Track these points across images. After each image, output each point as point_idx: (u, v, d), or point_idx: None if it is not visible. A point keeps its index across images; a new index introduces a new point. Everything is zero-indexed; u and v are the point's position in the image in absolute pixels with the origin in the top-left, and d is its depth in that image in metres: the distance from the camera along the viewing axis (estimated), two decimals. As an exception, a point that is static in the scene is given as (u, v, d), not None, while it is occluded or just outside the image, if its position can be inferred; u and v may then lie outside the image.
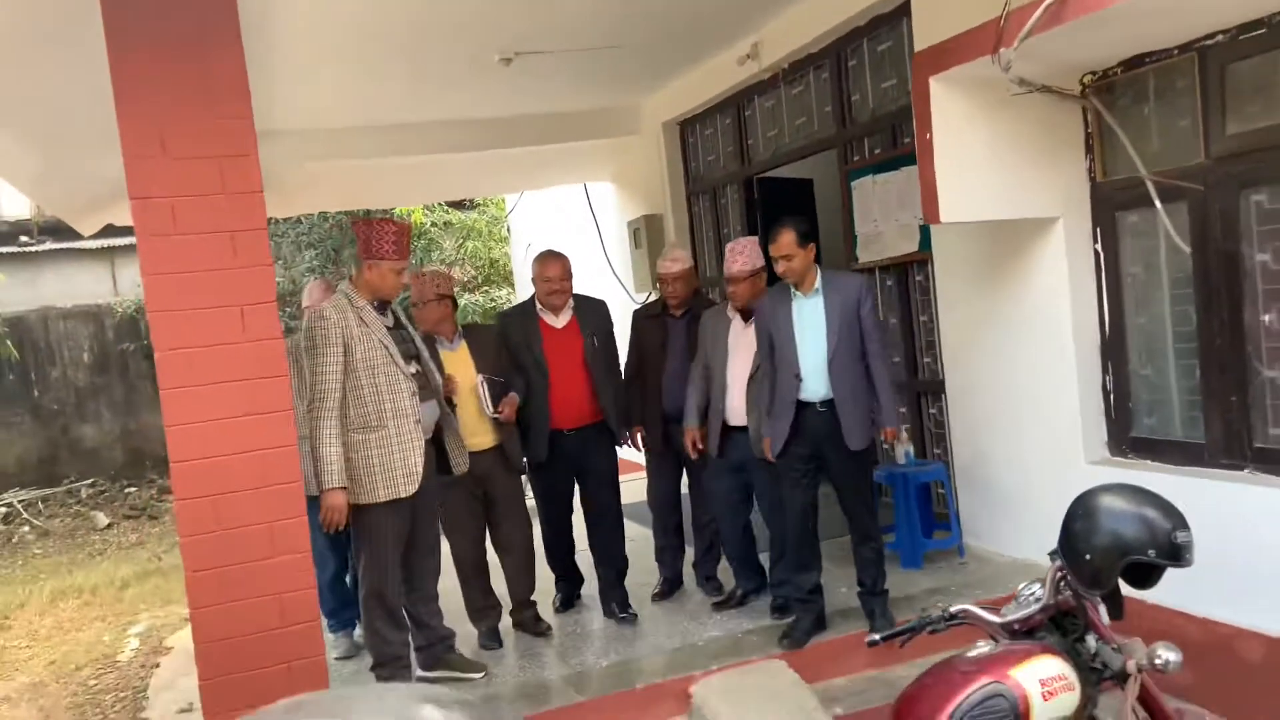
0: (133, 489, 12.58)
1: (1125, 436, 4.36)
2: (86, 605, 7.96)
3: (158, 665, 6.00)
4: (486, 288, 13.14)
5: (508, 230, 12.64)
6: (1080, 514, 2.25)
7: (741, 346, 4.55)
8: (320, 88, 6.01)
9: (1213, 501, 3.79)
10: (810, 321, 4.13)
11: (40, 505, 12.08)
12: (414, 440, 3.78)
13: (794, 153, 6.65)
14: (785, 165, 6.92)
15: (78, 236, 10.82)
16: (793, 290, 4.18)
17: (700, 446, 4.63)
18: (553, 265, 4.69)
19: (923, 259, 5.35)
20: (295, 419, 3.42)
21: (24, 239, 12.77)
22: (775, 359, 4.21)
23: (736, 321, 4.63)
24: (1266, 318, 3.71)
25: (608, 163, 8.66)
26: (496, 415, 4.42)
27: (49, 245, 12.68)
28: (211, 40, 3.16)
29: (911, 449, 5.19)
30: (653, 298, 6.87)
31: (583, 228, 9.26)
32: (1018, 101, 4.05)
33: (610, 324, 4.89)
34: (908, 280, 5.65)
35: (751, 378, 4.44)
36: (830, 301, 4.10)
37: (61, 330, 13.01)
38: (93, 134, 3.24)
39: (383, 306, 3.93)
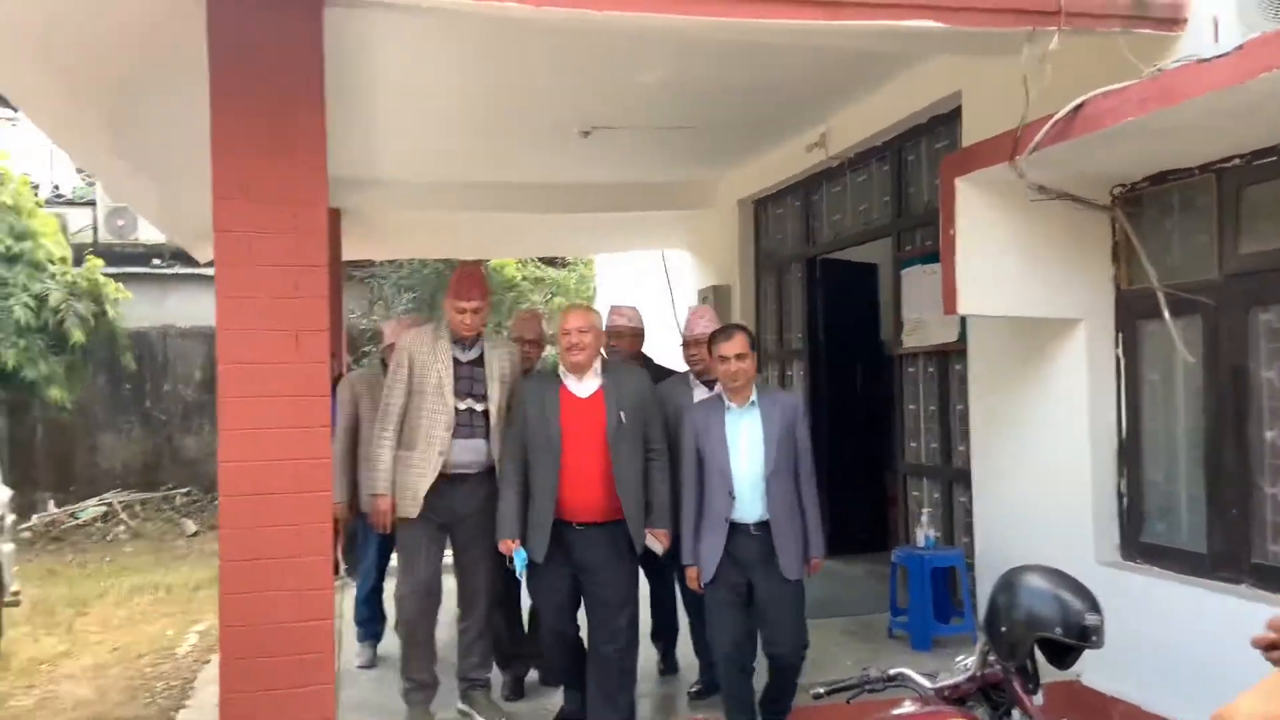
0: (221, 501, 13.34)
1: (1136, 541, 4.40)
2: (159, 602, 8.53)
3: (209, 661, 6.44)
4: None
5: (594, 290, 13.14)
6: (1002, 589, 2.41)
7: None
8: (416, 144, 6.57)
9: (1210, 613, 3.83)
10: (746, 435, 3.87)
11: (137, 507, 12.89)
12: (430, 468, 4.06)
13: (854, 237, 6.91)
14: (846, 249, 7.17)
15: (202, 263, 11.77)
16: (725, 401, 3.93)
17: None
18: (573, 316, 4.01)
19: (961, 349, 5.50)
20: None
21: (155, 261, 13.83)
22: (704, 473, 3.89)
23: (698, 390, 4.34)
24: (1270, 434, 3.76)
25: (684, 232, 9.05)
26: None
27: (176, 269, 13.67)
28: (299, 100, 3.62)
29: (933, 533, 5.28)
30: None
31: (659, 293, 9.63)
32: (1047, 206, 4.23)
33: (648, 398, 4.06)
34: (947, 369, 5.80)
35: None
36: (768, 415, 3.88)
37: (177, 348, 13.94)
38: (201, 172, 3.74)
39: (468, 343, 4.18)
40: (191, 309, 13.71)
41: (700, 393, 4.33)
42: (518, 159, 7.13)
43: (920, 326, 5.95)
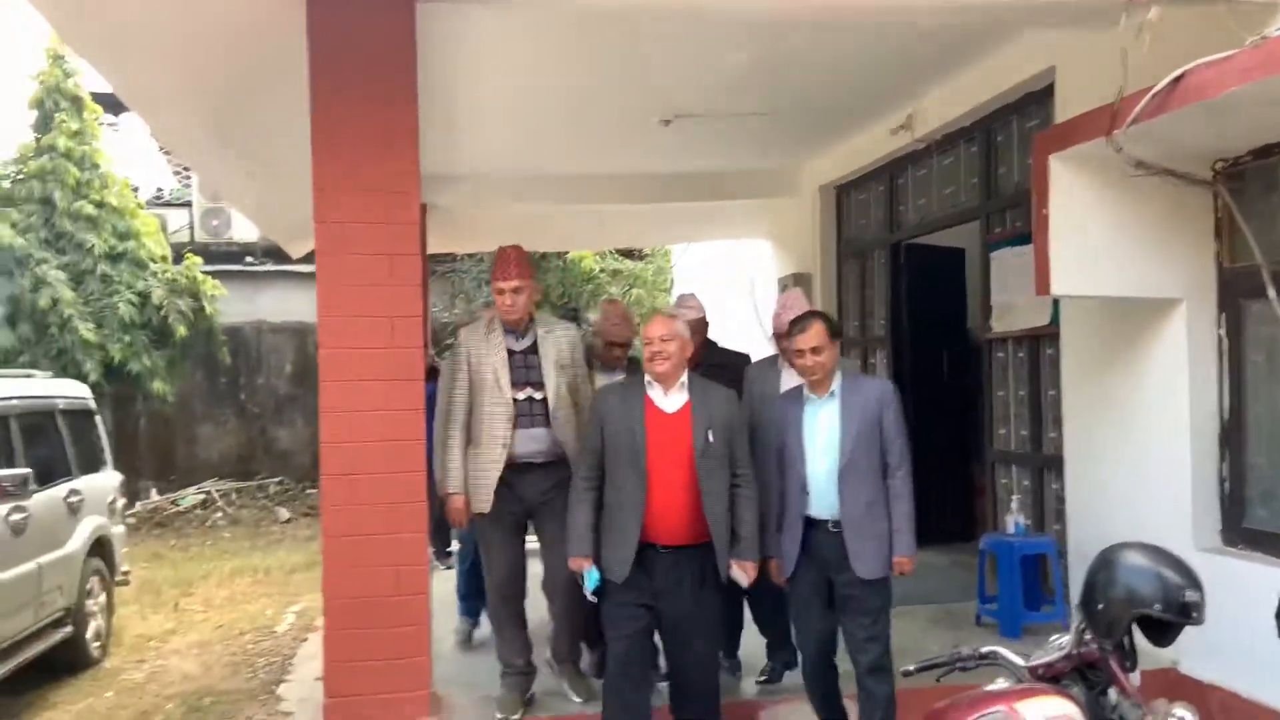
0: (313, 490, 13.69)
1: (1238, 526, 4.25)
2: (258, 583, 8.87)
3: (306, 639, 6.69)
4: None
5: (671, 281, 13.17)
6: (1100, 567, 2.37)
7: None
8: (498, 137, 6.68)
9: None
10: (823, 428, 3.68)
11: (234, 495, 13.38)
12: (496, 462, 4.03)
13: (940, 221, 6.80)
14: (931, 233, 7.06)
15: (293, 260, 12.14)
16: (805, 391, 3.76)
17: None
18: (655, 324, 3.72)
19: (1053, 333, 5.37)
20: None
21: (249, 259, 14.32)
22: (783, 467, 3.77)
23: (788, 373, 4.13)
24: (1386, 416, 3.59)
25: (764, 221, 9.01)
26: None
27: (269, 266, 14.12)
28: (393, 97, 3.75)
29: (1023, 520, 5.18)
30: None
31: (739, 282, 9.62)
32: (1146, 183, 4.11)
33: (735, 419, 3.76)
34: (1038, 354, 5.67)
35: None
36: (848, 406, 3.66)
37: (270, 343, 14.41)
38: (299, 170, 3.89)
39: (519, 331, 4.14)
40: (282, 305, 14.15)
41: (789, 378, 4.13)
42: (598, 150, 7.19)
43: (1010, 310, 5.83)
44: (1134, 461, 4.65)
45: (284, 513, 12.94)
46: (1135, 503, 4.62)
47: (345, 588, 3.64)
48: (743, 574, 3.67)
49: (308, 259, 9.85)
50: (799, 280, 8.33)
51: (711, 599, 3.66)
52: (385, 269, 3.77)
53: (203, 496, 13.24)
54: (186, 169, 15.00)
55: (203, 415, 14.04)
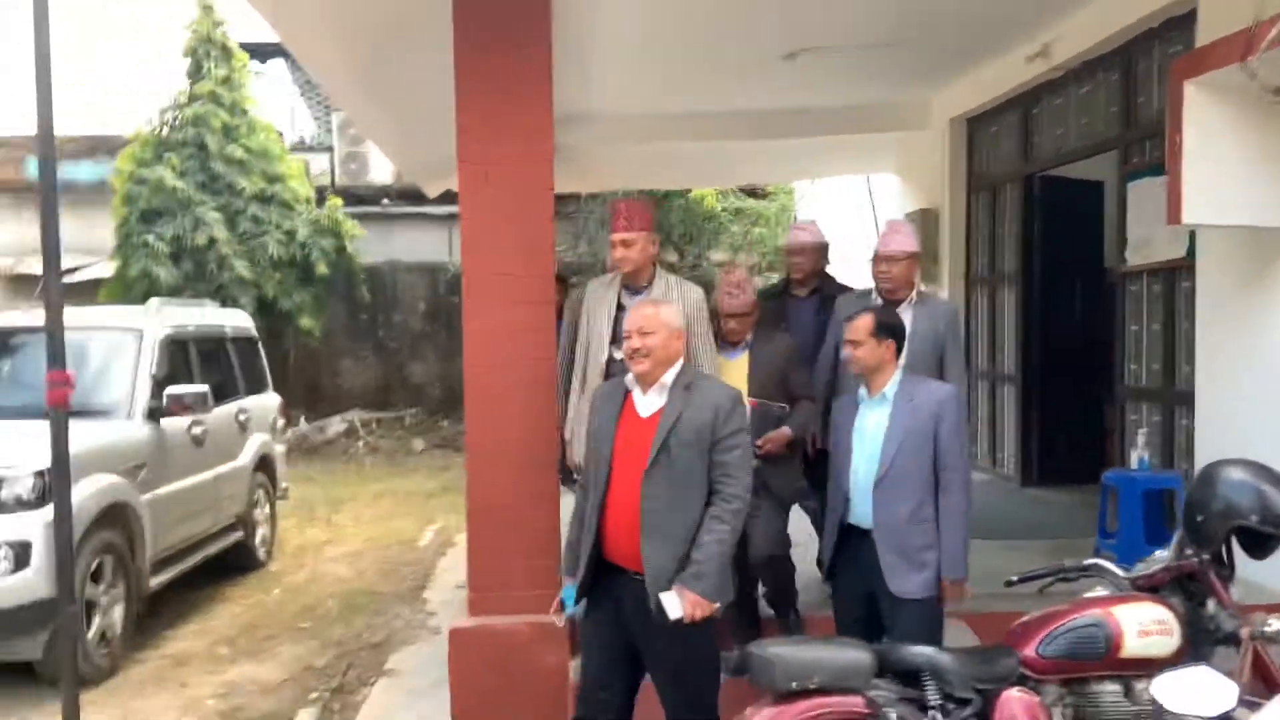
0: (445, 423, 14.40)
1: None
2: (399, 504, 9.53)
3: (445, 554, 7.22)
4: (769, 274, 13.69)
5: (794, 218, 13.11)
6: (1202, 481, 2.43)
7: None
8: (626, 76, 6.80)
9: None
10: (870, 432, 3.43)
11: (373, 425, 14.21)
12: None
13: (1076, 152, 6.62)
14: (1067, 165, 6.87)
15: (425, 202, 12.59)
16: (860, 392, 3.51)
17: None
18: (635, 313, 3.28)
19: (1188, 265, 5.22)
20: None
21: (384, 201, 14.95)
22: (832, 468, 3.57)
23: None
24: None
25: (891, 155, 8.89)
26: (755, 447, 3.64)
27: (403, 208, 14.72)
28: (528, 40, 3.97)
29: (1147, 456, 5.12)
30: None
31: (862, 219, 9.55)
32: (1291, 108, 3.95)
33: (722, 425, 3.12)
34: (1174, 287, 5.52)
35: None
36: (899, 410, 3.37)
37: (404, 282, 15.05)
38: (440, 112, 4.16)
39: (637, 286, 3.91)
40: (415, 245, 14.72)
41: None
42: (722, 87, 7.23)
43: (1146, 243, 5.67)
44: (1270, 397, 4.52)
45: (419, 443, 13.65)
46: (1270, 439, 4.50)
47: (486, 498, 3.98)
48: (676, 602, 2.96)
49: (440, 201, 10.30)
50: (926, 216, 8.24)
51: (686, 639, 3.00)
52: (522, 204, 4.02)
53: (345, 426, 14.09)
54: (327, 115, 15.73)
55: (344, 350, 14.80)
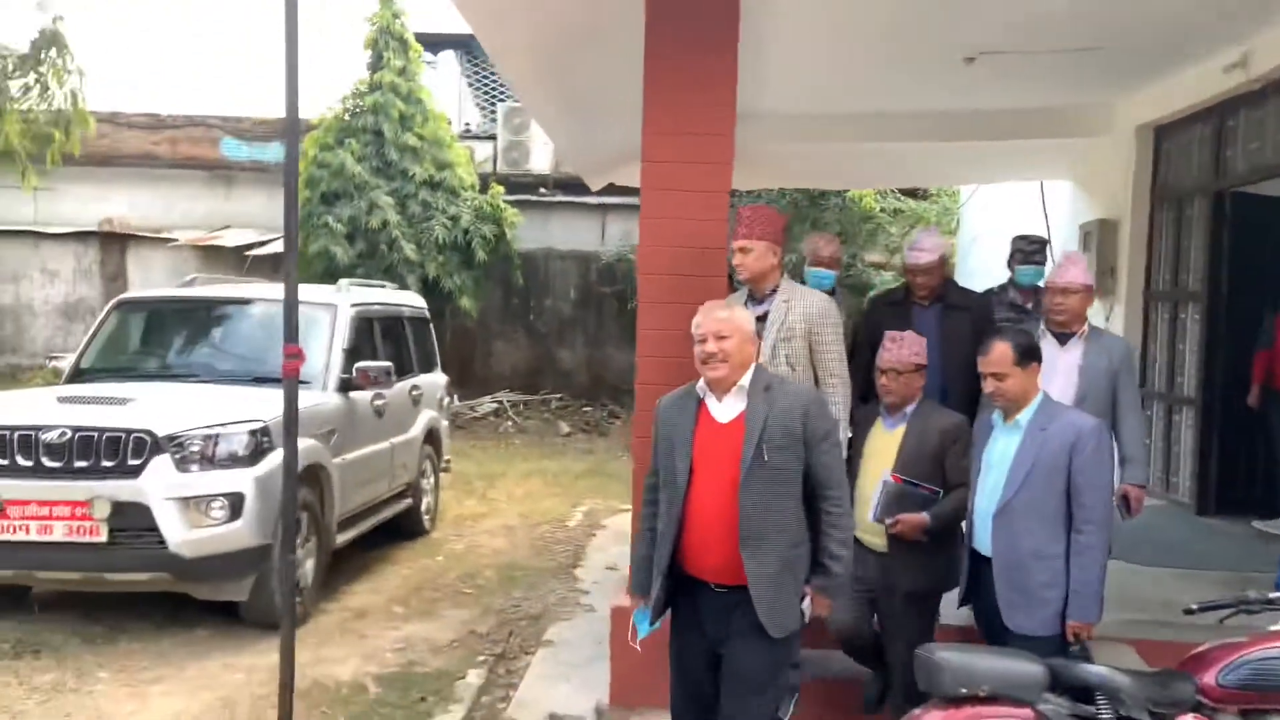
0: (589, 408, 14.75)
1: None
2: (548, 484, 9.88)
3: (594, 535, 7.47)
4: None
5: (957, 222, 12.79)
6: None
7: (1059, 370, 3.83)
8: (801, 76, 6.82)
9: None
10: (998, 459, 3.35)
11: (522, 406, 14.72)
12: None
13: (1272, 169, 6.27)
14: (1263, 181, 6.50)
15: (580, 192, 12.92)
16: (994, 415, 3.45)
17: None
18: (708, 315, 3.15)
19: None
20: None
21: (542, 190, 15.41)
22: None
23: (1048, 344, 3.95)
24: None
25: (1068, 162, 8.59)
26: (883, 522, 3.66)
27: (559, 198, 15.13)
28: (716, 44, 4.08)
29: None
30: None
31: (1033, 226, 9.24)
32: None
33: (814, 421, 3.08)
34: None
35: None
36: (1030, 440, 3.26)
37: (557, 268, 15.44)
38: (613, 111, 4.33)
39: (758, 294, 3.95)
40: (569, 234, 15.10)
41: (1050, 348, 3.91)
42: (895, 88, 7.15)
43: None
44: None
45: (565, 426, 14.03)
46: None
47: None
48: (820, 606, 3.04)
49: (595, 192, 10.57)
50: (1104, 227, 7.94)
51: (764, 651, 2.97)
52: (700, 204, 4.15)
53: (496, 405, 14.64)
54: (492, 106, 16.31)
55: (497, 332, 15.29)
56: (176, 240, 14.48)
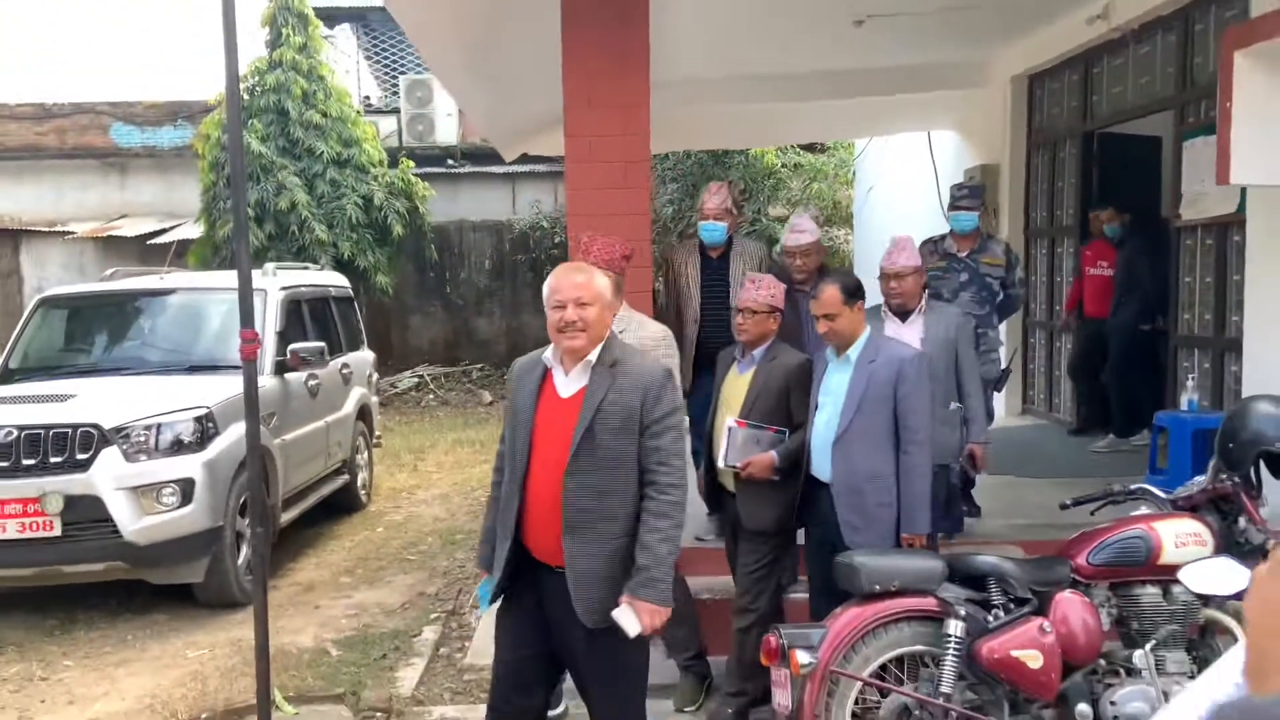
0: (511, 376, 15.02)
1: None
2: (476, 452, 10.12)
3: (531, 496, 7.77)
4: (827, 228, 13.97)
5: (853, 174, 13.35)
6: (1235, 413, 2.84)
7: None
8: (697, 43, 7.14)
9: None
10: (833, 392, 3.59)
11: (443, 379, 14.85)
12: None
13: (1134, 111, 6.87)
14: (1125, 123, 7.11)
15: (488, 162, 12.98)
16: (827, 354, 3.69)
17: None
18: (566, 279, 2.84)
19: (1240, 220, 5.51)
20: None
21: (450, 162, 15.41)
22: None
23: (891, 322, 4.21)
24: None
25: (952, 112, 9.13)
26: (733, 467, 3.74)
27: (467, 168, 15.15)
28: (630, 18, 4.36)
29: (1196, 398, 5.46)
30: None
31: (922, 174, 9.80)
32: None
33: (653, 404, 2.80)
34: (1225, 240, 5.81)
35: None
36: (860, 372, 3.52)
37: (470, 240, 15.49)
38: (529, 83, 4.55)
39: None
40: (480, 205, 15.15)
41: (892, 325, 4.17)
42: (792, 51, 7.52)
43: (1200, 199, 5.95)
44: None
45: (487, 395, 14.23)
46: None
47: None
48: (632, 617, 2.68)
49: (513, 161, 10.72)
50: (986, 171, 8.51)
51: (615, 647, 2.74)
52: (621, 174, 4.46)
53: (416, 380, 14.73)
54: (393, 79, 16.18)
55: (414, 307, 15.28)
56: (73, 233, 14.09)
